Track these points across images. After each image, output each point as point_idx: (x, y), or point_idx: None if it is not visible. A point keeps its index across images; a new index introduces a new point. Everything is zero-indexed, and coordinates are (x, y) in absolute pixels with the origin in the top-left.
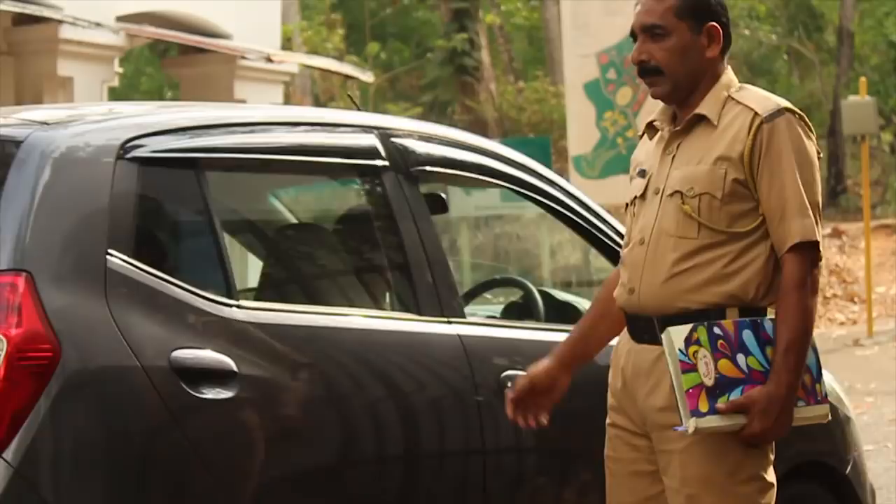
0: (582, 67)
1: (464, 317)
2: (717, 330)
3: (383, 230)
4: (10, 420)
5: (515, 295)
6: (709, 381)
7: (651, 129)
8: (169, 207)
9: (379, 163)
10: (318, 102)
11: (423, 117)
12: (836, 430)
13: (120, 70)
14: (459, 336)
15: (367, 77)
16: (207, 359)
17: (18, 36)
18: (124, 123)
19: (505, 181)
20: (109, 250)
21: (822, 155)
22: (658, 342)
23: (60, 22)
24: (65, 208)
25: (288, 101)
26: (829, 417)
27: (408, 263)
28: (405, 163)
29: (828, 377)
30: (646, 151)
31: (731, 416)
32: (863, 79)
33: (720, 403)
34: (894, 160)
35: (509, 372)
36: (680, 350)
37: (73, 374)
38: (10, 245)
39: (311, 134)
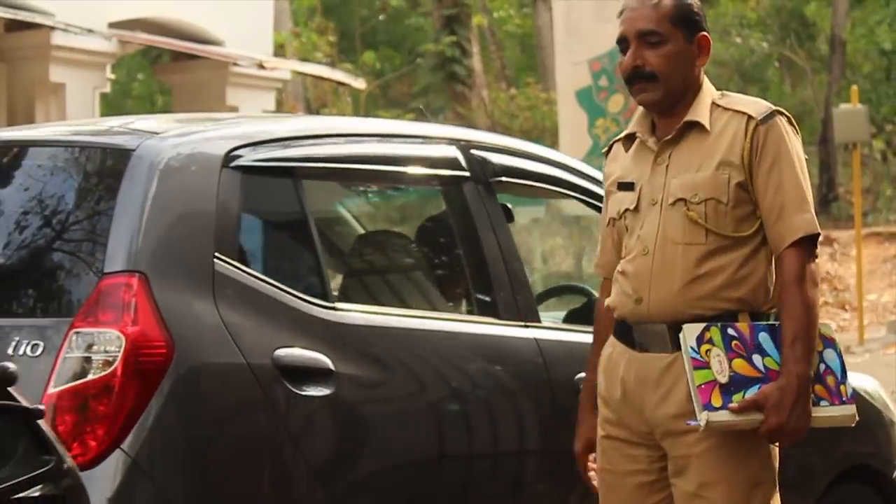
0: (574, 75)
1: (539, 321)
2: (731, 331)
3: (465, 237)
4: (128, 414)
5: (577, 302)
6: (723, 379)
7: (628, 141)
8: (269, 213)
9: (460, 173)
10: (309, 109)
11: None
12: (882, 433)
13: (112, 76)
14: (536, 339)
15: (359, 84)
16: (306, 357)
17: (10, 42)
18: (227, 134)
19: (577, 192)
20: (216, 254)
21: (808, 159)
22: (669, 350)
23: (52, 28)
24: (174, 214)
25: (280, 108)
26: (857, 419)
27: (487, 269)
28: (484, 173)
29: (874, 383)
30: (623, 165)
31: (746, 413)
32: (854, 87)
33: (734, 403)
34: (886, 168)
35: (582, 374)
36: (691, 348)
37: (186, 370)
38: (124, 248)
39: (399, 145)
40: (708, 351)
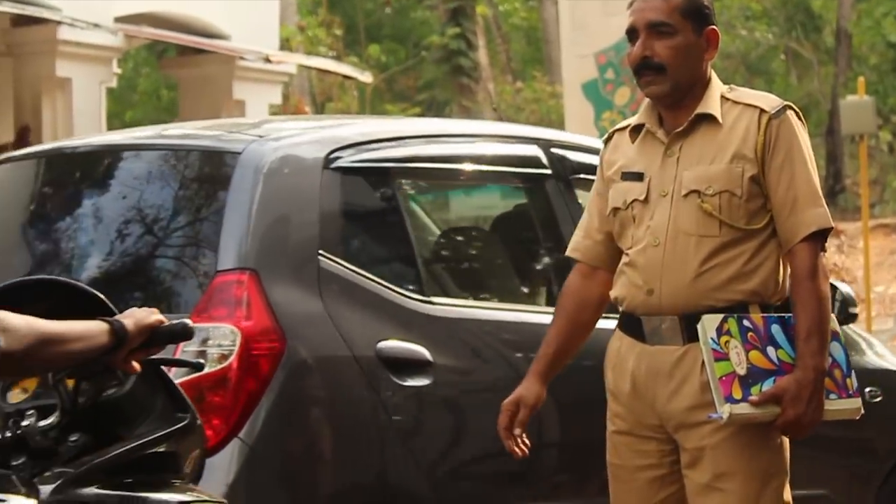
0: (580, 68)
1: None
2: (746, 322)
3: (547, 233)
4: (245, 404)
5: None
6: (741, 371)
7: (634, 131)
8: (367, 212)
9: (543, 171)
10: (315, 103)
11: (422, 117)
12: None
13: (118, 71)
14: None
15: (366, 77)
16: (406, 349)
17: (17, 37)
18: (327, 137)
19: None
20: (320, 251)
21: (814, 151)
22: (680, 342)
23: (59, 23)
24: (280, 214)
25: (287, 102)
26: (862, 412)
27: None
28: (564, 171)
29: None
30: (627, 155)
31: (765, 406)
32: (861, 78)
33: (753, 396)
34: (893, 159)
35: None
36: (712, 339)
37: (297, 362)
38: (235, 247)
39: (486, 145)
40: (727, 342)
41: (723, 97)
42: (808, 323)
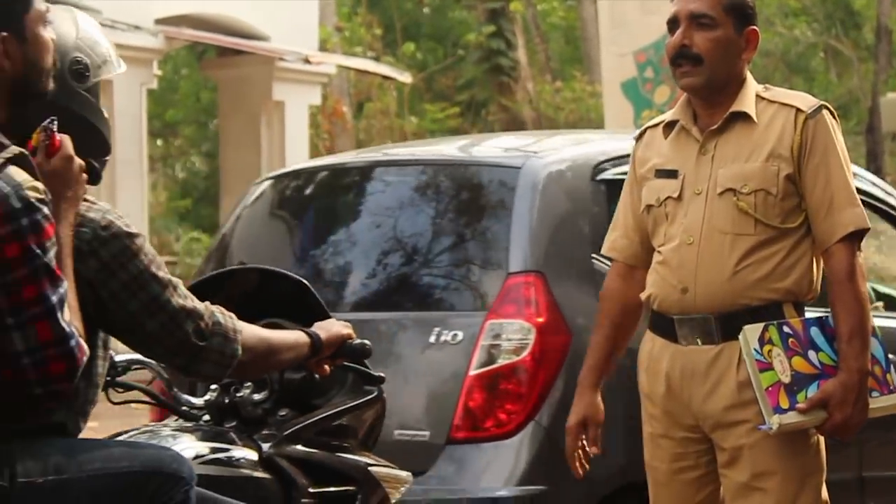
0: (619, 66)
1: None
2: (786, 329)
3: None
4: (539, 391)
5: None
6: (786, 379)
7: (668, 128)
8: None
9: None
10: (353, 103)
11: (460, 117)
12: None
13: (158, 72)
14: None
15: (405, 78)
16: None
17: None
18: (592, 151)
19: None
20: (592, 254)
21: (853, 149)
22: (714, 341)
23: (100, 25)
24: (558, 220)
25: (325, 102)
26: None
27: None
28: None
29: None
30: (661, 152)
31: (812, 412)
32: None
33: (800, 403)
34: None
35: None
36: (755, 349)
37: (581, 354)
38: (523, 251)
39: None
40: (769, 351)
41: (758, 96)
42: (849, 325)
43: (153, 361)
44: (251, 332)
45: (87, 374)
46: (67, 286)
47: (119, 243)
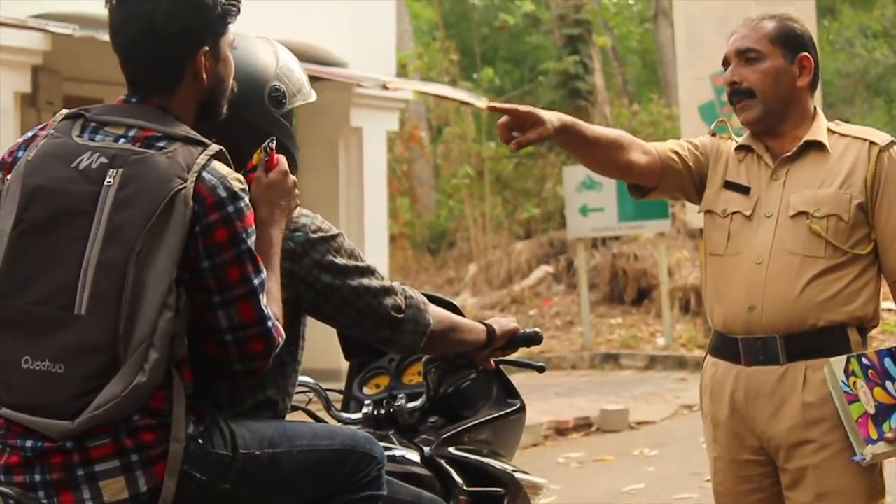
0: (696, 89)
1: None
2: (865, 360)
3: None
4: None
5: None
6: (871, 409)
7: (739, 150)
8: None
9: None
10: (431, 128)
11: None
12: None
13: None
14: None
15: (482, 103)
16: None
17: None
18: None
19: None
20: None
21: None
22: (779, 362)
23: None
24: None
25: (403, 127)
26: None
27: None
28: None
29: None
30: (730, 165)
31: None
32: None
33: (888, 433)
34: None
35: None
36: (843, 382)
37: None
38: None
39: None
40: (854, 383)
41: (829, 130)
42: None
43: (313, 381)
44: (435, 308)
45: (294, 359)
46: (270, 276)
47: (326, 244)
